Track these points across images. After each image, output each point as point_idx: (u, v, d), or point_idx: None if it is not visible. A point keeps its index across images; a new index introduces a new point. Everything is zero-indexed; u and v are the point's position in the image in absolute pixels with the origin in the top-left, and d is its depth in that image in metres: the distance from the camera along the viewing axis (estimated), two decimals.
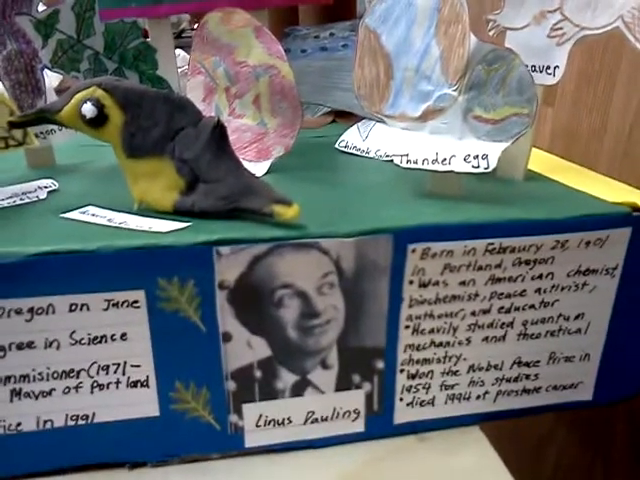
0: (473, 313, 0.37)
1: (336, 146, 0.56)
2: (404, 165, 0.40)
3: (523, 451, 0.65)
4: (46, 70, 0.51)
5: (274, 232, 0.33)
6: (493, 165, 0.37)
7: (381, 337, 0.36)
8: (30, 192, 0.42)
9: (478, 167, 0.37)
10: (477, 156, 0.37)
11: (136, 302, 0.33)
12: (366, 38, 0.42)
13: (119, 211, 0.37)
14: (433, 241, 0.34)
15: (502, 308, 0.37)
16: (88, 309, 0.32)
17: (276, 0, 0.60)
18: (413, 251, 0.34)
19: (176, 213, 0.36)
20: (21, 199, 0.40)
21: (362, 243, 0.34)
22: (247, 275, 0.33)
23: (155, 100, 0.36)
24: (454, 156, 0.38)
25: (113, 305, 0.32)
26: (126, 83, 0.37)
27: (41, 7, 0.49)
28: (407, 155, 0.40)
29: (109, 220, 0.36)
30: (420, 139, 0.40)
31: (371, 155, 0.53)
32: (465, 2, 0.38)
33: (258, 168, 0.47)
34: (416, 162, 0.39)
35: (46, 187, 0.43)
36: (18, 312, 0.32)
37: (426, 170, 0.39)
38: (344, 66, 0.54)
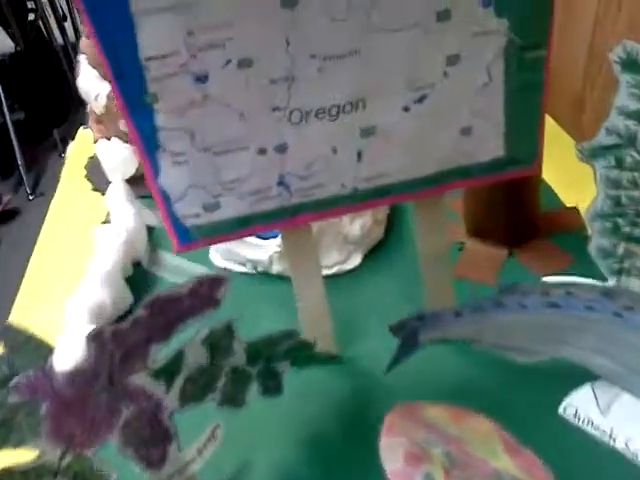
0: None
1: (560, 411, 0.41)
2: None
3: None
4: None
5: None
6: None
7: None
8: None
9: None
10: None
11: None
12: None
13: None
14: None
15: None
16: None
17: (457, 183, 0.42)
18: None
19: None
20: None
21: None
22: None
23: None
24: None
25: None
26: None
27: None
28: None
29: None
30: None
31: (616, 445, 0.39)
32: None
33: None
34: None
35: None
36: None
37: None
38: (584, 326, 0.38)
